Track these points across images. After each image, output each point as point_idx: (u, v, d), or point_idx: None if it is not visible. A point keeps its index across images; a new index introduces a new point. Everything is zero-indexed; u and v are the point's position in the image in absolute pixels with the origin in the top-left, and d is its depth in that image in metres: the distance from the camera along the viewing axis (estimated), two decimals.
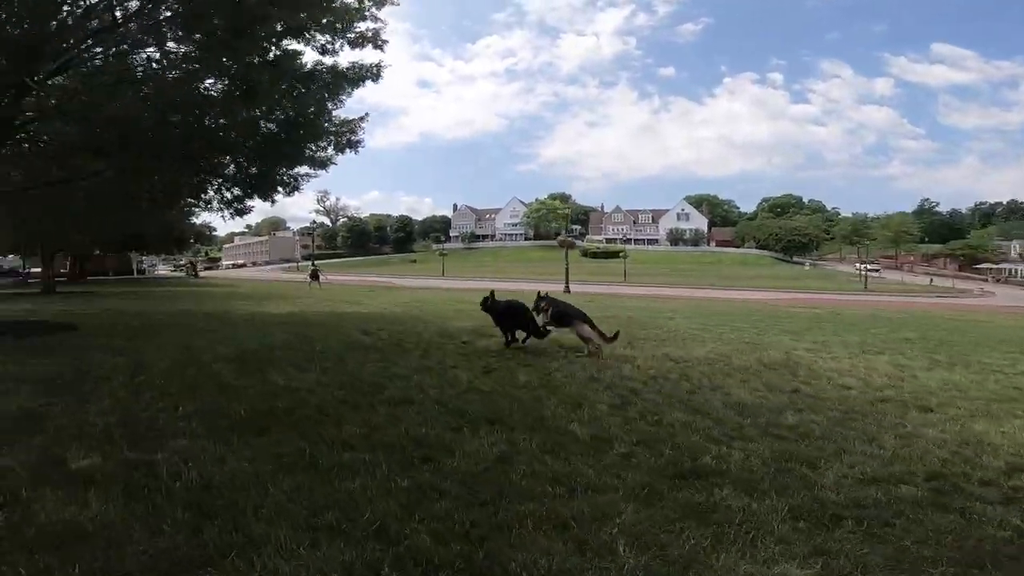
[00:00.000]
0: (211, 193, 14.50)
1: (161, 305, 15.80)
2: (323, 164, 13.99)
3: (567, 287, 30.46)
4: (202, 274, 60.08)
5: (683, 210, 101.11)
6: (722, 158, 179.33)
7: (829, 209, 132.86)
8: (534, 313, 7.39)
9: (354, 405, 4.40)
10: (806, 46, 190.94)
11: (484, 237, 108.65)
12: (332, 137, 11.84)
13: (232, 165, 11.99)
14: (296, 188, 14.51)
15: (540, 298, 7.51)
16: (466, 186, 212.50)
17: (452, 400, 4.59)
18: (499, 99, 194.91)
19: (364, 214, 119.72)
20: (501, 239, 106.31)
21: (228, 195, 14.43)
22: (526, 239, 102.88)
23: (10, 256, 39.79)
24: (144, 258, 58.48)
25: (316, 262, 46.48)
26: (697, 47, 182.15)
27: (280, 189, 14.18)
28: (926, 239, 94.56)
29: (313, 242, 49.98)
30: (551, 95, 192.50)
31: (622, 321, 11.35)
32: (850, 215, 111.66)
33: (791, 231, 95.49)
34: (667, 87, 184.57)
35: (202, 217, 47.44)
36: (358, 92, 11.95)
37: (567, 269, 31.81)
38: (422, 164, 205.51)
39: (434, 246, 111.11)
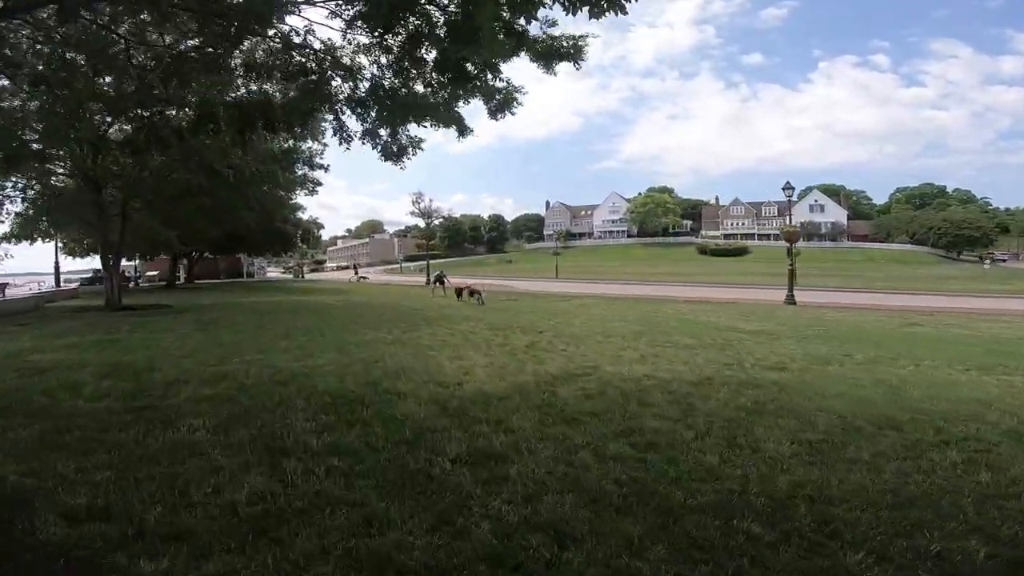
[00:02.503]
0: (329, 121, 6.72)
1: (240, 347, 8.26)
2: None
3: (791, 295, 20.59)
4: (308, 276, 56.19)
5: (816, 201, 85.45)
6: (824, 147, 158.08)
7: (979, 199, 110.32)
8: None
9: None
10: (910, 26, 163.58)
11: (581, 235, 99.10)
12: None
13: None
14: (510, 105, 6.47)
15: (468, 286, 19.56)
16: (545, 185, 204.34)
17: None
18: (573, 96, 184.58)
19: (456, 215, 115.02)
20: (600, 236, 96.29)
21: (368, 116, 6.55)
22: (628, 236, 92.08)
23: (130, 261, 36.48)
24: (254, 261, 55.64)
25: (426, 263, 39.58)
26: (784, 32, 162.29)
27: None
28: None
29: (428, 241, 42.99)
30: (628, 90, 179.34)
31: None
32: None
33: (958, 224, 77.08)
34: (755, 75, 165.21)
35: (308, 213, 42.12)
36: None
37: (792, 271, 21.68)
38: (501, 165, 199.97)
39: (527, 245, 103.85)
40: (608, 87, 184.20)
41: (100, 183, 13.89)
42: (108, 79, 6.71)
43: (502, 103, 6.59)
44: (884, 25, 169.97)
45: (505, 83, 6.46)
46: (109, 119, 9.65)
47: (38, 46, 6.60)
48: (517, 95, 6.64)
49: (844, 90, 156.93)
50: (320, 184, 17.77)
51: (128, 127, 13.22)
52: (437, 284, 24.38)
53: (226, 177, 12.17)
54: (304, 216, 38.68)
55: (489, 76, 6.36)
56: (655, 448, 3.74)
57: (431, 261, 38.65)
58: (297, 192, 18.95)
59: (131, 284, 34.19)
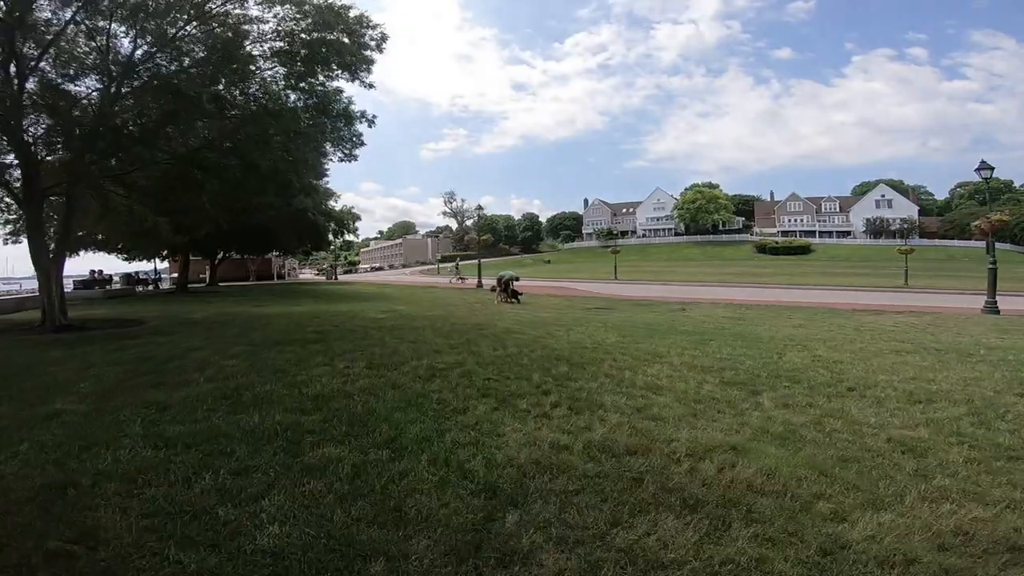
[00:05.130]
0: None
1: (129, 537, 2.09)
2: None
3: (993, 301, 14.12)
4: (341, 278, 51.22)
5: (883, 196, 76.33)
6: (867, 143, 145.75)
7: None
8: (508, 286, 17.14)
9: None
10: (948, 17, 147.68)
11: (623, 233, 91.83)
12: None
13: None
14: None
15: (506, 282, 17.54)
16: (575, 185, 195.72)
17: None
18: (598, 96, 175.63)
19: (487, 214, 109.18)
20: (644, 235, 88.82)
21: None
22: (676, 234, 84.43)
23: (155, 262, 31.33)
24: (284, 263, 51.03)
25: (460, 261, 33.12)
26: (813, 25, 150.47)
27: None
28: None
29: (479, 236, 35.73)
30: (654, 88, 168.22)
31: None
32: None
33: None
34: (786, 70, 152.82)
35: (342, 201, 36.00)
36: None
37: (994, 270, 15.07)
38: (528, 166, 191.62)
39: (563, 245, 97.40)
40: (633, 85, 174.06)
41: (21, 132, 8.39)
42: None
43: None
44: (918, 16, 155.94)
45: None
46: None
47: None
48: None
49: (882, 84, 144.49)
50: (362, 143, 12.09)
51: None
52: (503, 293, 18.07)
53: (197, 101, 6.54)
54: (337, 206, 32.97)
55: None
56: None
57: (463, 262, 32.43)
58: (331, 154, 13.10)
59: (147, 287, 29.35)
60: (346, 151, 12.02)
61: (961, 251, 69.65)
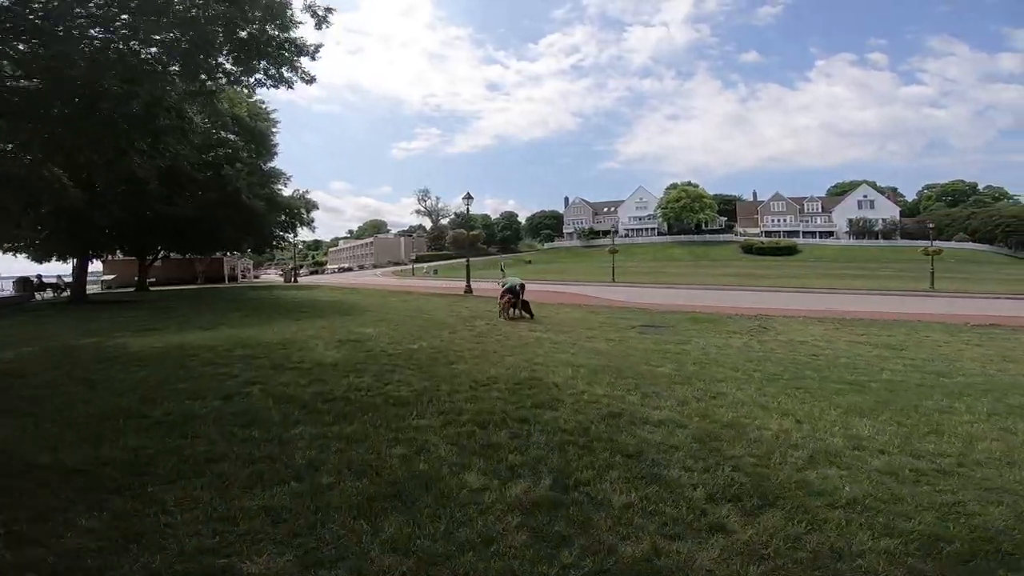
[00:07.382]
0: None
1: None
2: None
3: None
4: (302, 279, 45.31)
5: (865, 196, 75.22)
6: (828, 146, 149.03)
7: (1012, 196, 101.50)
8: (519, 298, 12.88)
9: None
10: (908, 23, 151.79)
11: (604, 233, 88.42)
12: None
13: None
14: None
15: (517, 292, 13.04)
16: (549, 185, 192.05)
17: None
18: (570, 97, 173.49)
19: (462, 211, 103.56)
20: (626, 235, 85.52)
21: None
22: (659, 234, 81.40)
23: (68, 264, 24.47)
24: (239, 262, 44.81)
25: (465, 262, 27.89)
26: (779, 30, 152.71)
27: None
28: None
29: (468, 232, 30.31)
30: (625, 90, 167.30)
31: None
32: None
33: None
34: (753, 74, 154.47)
35: (292, 185, 29.55)
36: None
37: None
38: (501, 167, 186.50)
39: (543, 244, 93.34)
40: (605, 87, 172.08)
41: None
42: None
43: None
44: (880, 22, 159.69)
45: None
46: None
47: None
48: None
49: (844, 88, 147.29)
50: (308, 79, 6.97)
51: None
52: (512, 306, 13.24)
53: None
54: (285, 190, 26.92)
55: None
56: None
57: (441, 263, 27.05)
58: (236, 72, 7.79)
59: (59, 293, 23.14)
60: (273, 69, 6.93)
61: (950, 252, 69.06)
